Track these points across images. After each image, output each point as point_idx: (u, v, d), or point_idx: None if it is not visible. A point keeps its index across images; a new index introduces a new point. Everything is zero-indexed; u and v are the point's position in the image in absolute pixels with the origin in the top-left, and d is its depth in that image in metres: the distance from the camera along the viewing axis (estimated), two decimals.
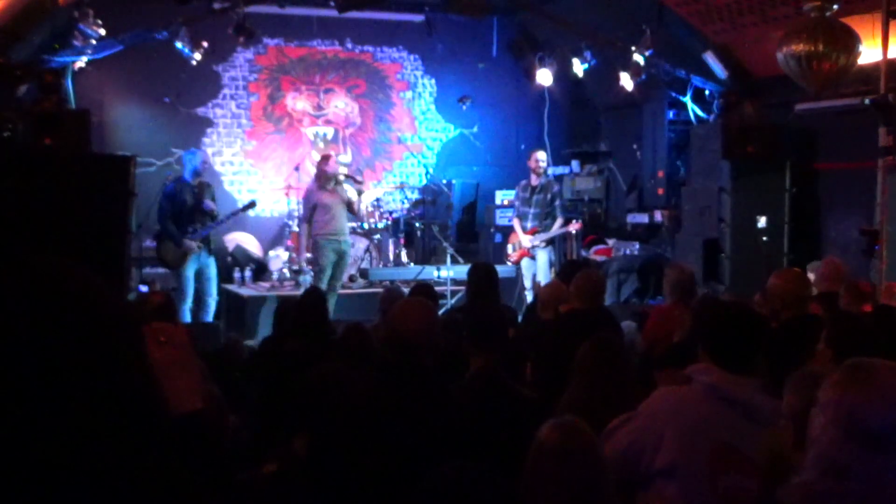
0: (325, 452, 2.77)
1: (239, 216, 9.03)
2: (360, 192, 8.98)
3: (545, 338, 4.75)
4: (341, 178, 8.75)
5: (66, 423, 1.06)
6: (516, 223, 9.17)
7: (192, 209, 8.29)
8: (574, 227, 8.95)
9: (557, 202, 8.93)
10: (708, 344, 2.88)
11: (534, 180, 9.01)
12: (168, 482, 1.16)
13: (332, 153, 9.40)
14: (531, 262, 8.93)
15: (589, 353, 3.33)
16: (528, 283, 9.01)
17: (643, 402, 2.89)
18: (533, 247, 8.89)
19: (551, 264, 8.91)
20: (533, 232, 8.93)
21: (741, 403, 2.71)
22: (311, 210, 8.50)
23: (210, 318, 8.38)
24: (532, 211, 8.95)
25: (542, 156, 9.02)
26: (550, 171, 9.64)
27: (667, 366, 3.72)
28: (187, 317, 8.11)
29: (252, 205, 8.75)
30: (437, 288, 8.50)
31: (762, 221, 8.74)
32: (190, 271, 8.22)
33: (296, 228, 9.75)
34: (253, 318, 8.70)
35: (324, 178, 8.54)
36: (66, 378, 1.06)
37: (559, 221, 8.86)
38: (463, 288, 8.46)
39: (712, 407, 2.74)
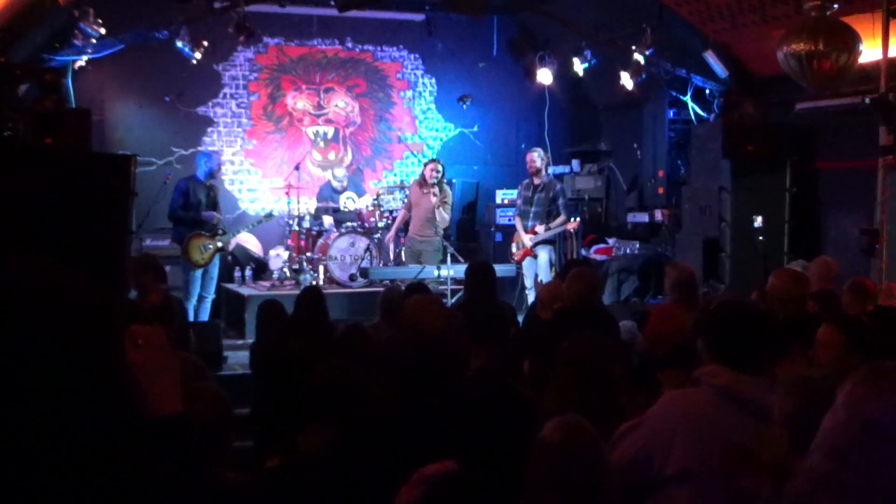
0: (346, 448, 2.75)
1: (240, 216, 9.11)
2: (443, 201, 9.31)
3: (541, 336, 4.75)
4: (432, 182, 9.25)
5: (39, 417, 1.06)
6: (518, 222, 9.17)
7: (206, 208, 8.37)
8: (572, 225, 8.93)
9: (561, 200, 8.92)
10: (715, 345, 2.84)
11: (535, 179, 9.01)
12: (144, 482, 1.16)
13: (435, 158, 9.90)
14: (532, 261, 8.94)
15: (568, 351, 3.29)
16: (528, 283, 9.00)
17: (648, 405, 2.86)
18: (535, 245, 8.89)
19: (552, 263, 8.90)
20: (534, 231, 8.93)
21: (752, 403, 2.68)
22: (408, 205, 9.51)
23: (206, 316, 8.44)
24: (533, 210, 8.95)
25: (533, 156, 9.00)
26: (550, 169, 9.63)
27: (669, 366, 3.70)
28: (190, 315, 8.16)
29: (270, 216, 9.39)
30: (437, 287, 8.55)
31: (758, 221, 8.72)
32: (199, 270, 8.28)
33: (296, 227, 9.78)
34: (253, 318, 8.69)
35: (422, 180, 9.29)
36: (38, 373, 1.06)
37: (561, 218, 8.85)
38: (463, 287, 8.47)
39: (723, 409, 2.70)
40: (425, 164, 9.39)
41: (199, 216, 8.37)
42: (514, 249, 9.29)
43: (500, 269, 9.57)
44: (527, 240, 8.96)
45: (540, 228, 8.84)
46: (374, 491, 2.68)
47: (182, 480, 1.26)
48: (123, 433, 1.15)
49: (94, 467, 1.09)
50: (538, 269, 8.85)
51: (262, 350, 5.33)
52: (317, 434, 2.89)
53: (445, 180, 9.52)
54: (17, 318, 1.06)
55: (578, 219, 9.20)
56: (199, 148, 10.44)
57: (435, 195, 9.05)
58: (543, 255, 8.89)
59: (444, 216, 9.23)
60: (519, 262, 9.11)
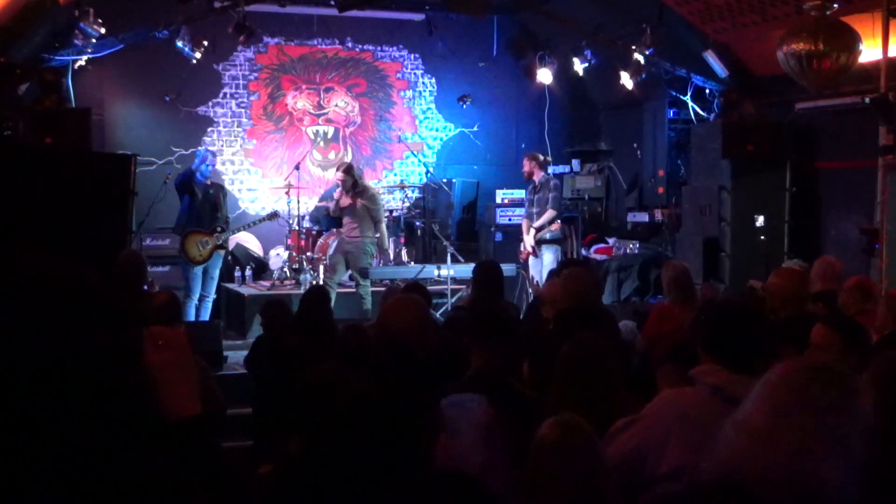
0: (318, 454, 2.76)
1: (240, 215, 9.08)
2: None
3: (541, 336, 4.75)
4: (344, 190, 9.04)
5: (59, 419, 1.06)
6: (525, 223, 9.19)
7: (204, 202, 8.32)
8: (555, 227, 8.91)
9: (550, 195, 8.92)
10: (711, 345, 2.85)
11: (535, 180, 9.05)
12: (162, 483, 1.16)
13: (344, 164, 9.58)
14: (536, 261, 8.93)
15: (568, 354, 3.29)
16: None
17: (647, 404, 2.86)
18: (537, 245, 8.91)
19: (557, 263, 8.90)
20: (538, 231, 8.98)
21: None
22: (335, 208, 9.15)
23: (207, 315, 8.44)
24: (535, 210, 8.98)
25: (523, 161, 9.13)
26: (551, 169, 9.66)
27: (667, 363, 3.70)
28: (191, 314, 8.17)
29: (275, 215, 9.17)
30: (437, 287, 8.55)
31: (760, 220, 8.73)
32: (199, 269, 8.27)
33: (296, 227, 9.78)
34: (252, 317, 8.70)
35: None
36: (59, 375, 1.06)
37: (548, 213, 8.85)
38: (463, 287, 8.47)
39: (718, 408, 2.70)
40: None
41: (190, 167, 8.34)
42: (521, 248, 9.32)
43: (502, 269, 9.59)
44: (527, 241, 8.98)
45: (532, 237, 8.89)
46: (365, 495, 2.68)
47: (192, 484, 1.26)
48: (138, 436, 1.15)
49: (106, 470, 1.09)
50: (543, 268, 8.85)
51: (264, 348, 5.32)
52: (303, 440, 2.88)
53: (363, 184, 9.17)
54: (35, 318, 1.06)
55: (559, 221, 9.18)
56: (199, 148, 10.41)
57: (355, 198, 8.85)
58: (549, 255, 8.89)
59: (382, 231, 9.13)
60: (524, 261, 9.13)
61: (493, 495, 1.76)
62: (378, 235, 9.07)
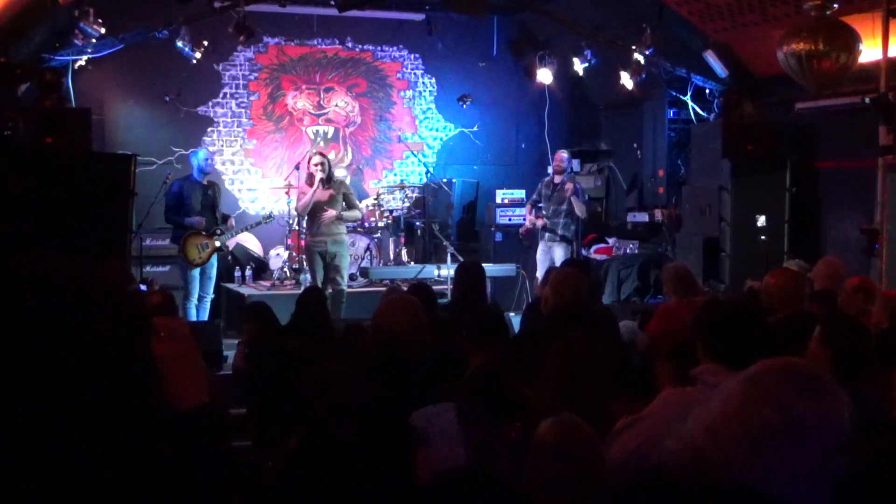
0: (315, 452, 2.76)
1: (240, 215, 9.07)
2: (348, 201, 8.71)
3: (541, 334, 4.75)
4: (320, 178, 8.50)
5: (66, 414, 1.06)
6: (528, 208, 9.38)
7: (203, 208, 8.30)
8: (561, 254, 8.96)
9: (577, 197, 9.00)
10: (711, 344, 2.85)
11: (556, 178, 9.09)
12: (168, 476, 1.16)
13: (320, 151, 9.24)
14: (545, 257, 8.93)
15: (555, 353, 3.28)
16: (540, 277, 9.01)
17: (648, 404, 2.86)
18: (550, 241, 8.98)
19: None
20: (543, 227, 9.05)
21: None
22: (304, 206, 8.57)
23: (206, 315, 8.44)
24: (551, 208, 9.04)
25: (563, 155, 9.33)
26: (550, 169, 9.73)
27: (666, 360, 3.69)
28: (192, 314, 8.18)
29: (270, 217, 9.14)
30: (437, 287, 8.55)
31: (762, 220, 8.74)
32: (197, 270, 8.27)
33: (296, 227, 9.77)
34: None
35: (309, 178, 8.50)
36: (68, 368, 1.06)
37: (580, 207, 8.99)
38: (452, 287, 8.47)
39: None
40: (308, 159, 8.71)
41: (184, 222, 8.22)
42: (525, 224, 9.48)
43: (500, 269, 9.62)
44: (528, 222, 9.12)
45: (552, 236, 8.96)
46: (361, 493, 2.68)
47: (199, 478, 1.26)
48: (148, 428, 1.15)
49: (114, 464, 1.09)
50: (554, 265, 8.84)
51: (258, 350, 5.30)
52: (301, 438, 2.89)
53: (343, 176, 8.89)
54: (43, 312, 1.06)
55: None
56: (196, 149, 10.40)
57: (332, 188, 8.34)
58: (559, 251, 8.89)
59: (355, 215, 8.67)
60: (523, 235, 9.20)
61: (523, 493, 1.77)
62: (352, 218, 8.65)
